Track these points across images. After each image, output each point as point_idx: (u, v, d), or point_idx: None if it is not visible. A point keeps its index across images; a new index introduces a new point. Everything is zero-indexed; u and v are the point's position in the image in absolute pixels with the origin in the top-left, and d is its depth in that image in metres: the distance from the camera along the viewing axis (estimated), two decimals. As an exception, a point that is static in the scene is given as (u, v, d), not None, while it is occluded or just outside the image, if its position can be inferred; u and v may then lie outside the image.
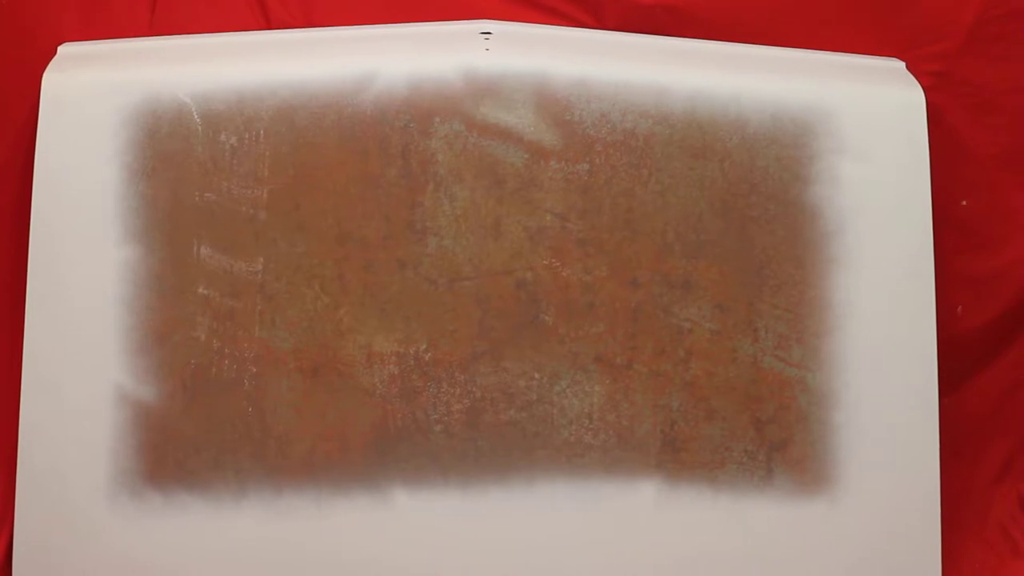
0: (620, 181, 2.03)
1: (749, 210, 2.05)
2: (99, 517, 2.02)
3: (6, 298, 2.16)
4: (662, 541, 2.05)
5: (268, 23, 2.17)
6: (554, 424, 2.04)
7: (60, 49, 2.09)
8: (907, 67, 2.14)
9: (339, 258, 2.02)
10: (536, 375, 2.04)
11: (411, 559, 2.04)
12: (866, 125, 2.06)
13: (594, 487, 2.05)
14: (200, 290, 2.02)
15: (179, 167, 2.02)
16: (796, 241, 2.05)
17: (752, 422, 2.05)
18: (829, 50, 2.17)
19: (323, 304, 2.03)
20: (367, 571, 2.04)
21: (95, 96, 2.02)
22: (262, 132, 2.02)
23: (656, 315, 2.04)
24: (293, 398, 2.03)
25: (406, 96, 2.02)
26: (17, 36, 2.13)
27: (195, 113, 2.02)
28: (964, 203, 2.24)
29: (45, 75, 2.03)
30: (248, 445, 2.03)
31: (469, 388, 2.04)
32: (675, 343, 2.04)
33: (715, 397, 2.05)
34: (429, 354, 2.03)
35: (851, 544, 2.06)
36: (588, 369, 2.04)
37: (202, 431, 2.03)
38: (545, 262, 2.03)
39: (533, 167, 2.03)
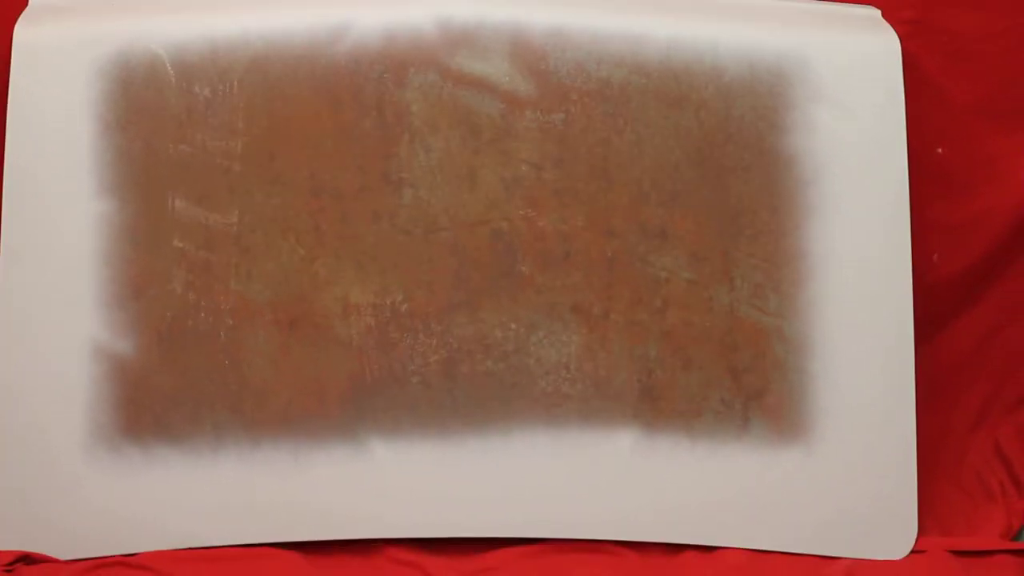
0: (596, 130, 2.03)
1: (725, 159, 2.04)
2: (77, 471, 2.01)
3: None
4: (640, 490, 2.06)
5: (241, -27, 2.15)
6: (531, 374, 2.04)
7: (32, 1, 2.07)
8: (882, 15, 2.14)
9: (314, 210, 2.02)
10: (513, 325, 2.04)
11: (389, 509, 2.04)
12: (842, 73, 2.05)
13: (572, 437, 2.05)
14: (175, 243, 2.01)
15: (153, 119, 2.01)
16: (772, 190, 2.05)
17: (729, 371, 2.05)
18: (804, -2, 2.17)
19: (299, 256, 2.02)
20: (345, 522, 2.04)
21: (67, 48, 2.01)
22: (236, 83, 2.01)
23: (632, 264, 2.04)
24: (270, 350, 2.03)
25: (380, 47, 2.02)
26: (-13, -12, 2.12)
27: (168, 64, 2.01)
28: (940, 151, 2.24)
29: (16, 27, 2.02)
30: (225, 398, 2.02)
31: (446, 339, 2.03)
32: (652, 292, 2.04)
33: (692, 346, 2.05)
34: (405, 305, 2.03)
35: (828, 491, 2.07)
36: (565, 319, 2.04)
37: (179, 384, 2.02)
38: (521, 212, 2.03)
39: (508, 117, 2.02)
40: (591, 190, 2.03)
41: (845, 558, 2.06)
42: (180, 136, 2.01)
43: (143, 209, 2.01)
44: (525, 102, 2.02)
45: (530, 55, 2.02)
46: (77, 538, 2.01)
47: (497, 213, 2.03)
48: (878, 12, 2.14)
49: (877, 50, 2.07)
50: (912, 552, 2.07)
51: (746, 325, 2.05)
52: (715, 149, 2.04)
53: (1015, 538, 2.16)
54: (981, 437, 2.32)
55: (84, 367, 2.01)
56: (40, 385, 2.01)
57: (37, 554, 2.00)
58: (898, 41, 2.07)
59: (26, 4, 2.07)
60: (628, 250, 2.04)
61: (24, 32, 2.01)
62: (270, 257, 2.02)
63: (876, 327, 2.06)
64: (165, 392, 2.02)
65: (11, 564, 1.97)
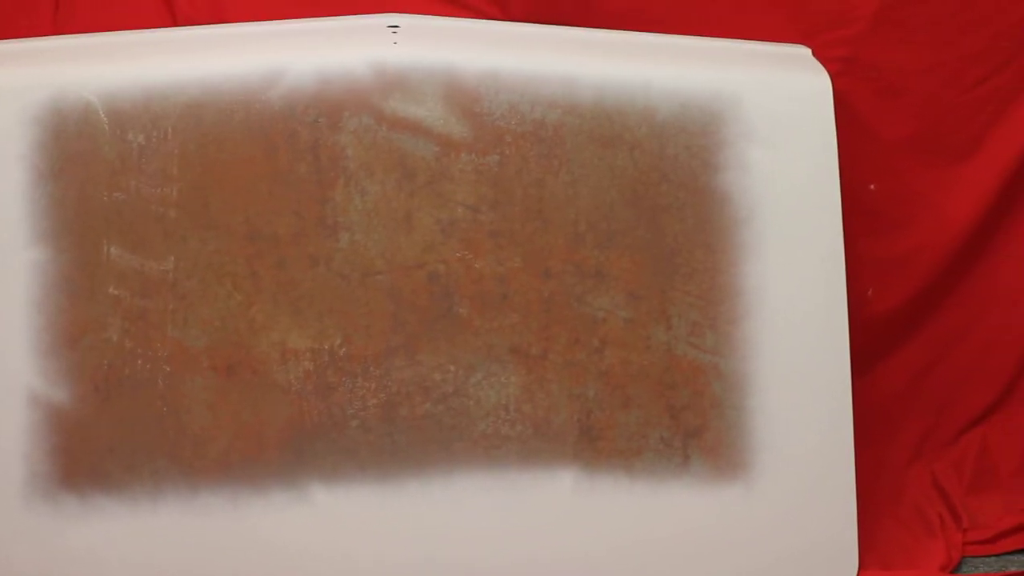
0: (531, 172, 2.04)
1: (660, 198, 2.05)
2: (13, 521, 2.00)
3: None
4: (581, 530, 2.06)
5: (174, 20, 2.15)
6: (471, 416, 2.04)
7: (-38, 49, 2.07)
8: (813, 53, 2.16)
9: (250, 255, 2.01)
10: (451, 367, 2.04)
11: (330, 555, 2.04)
12: (774, 112, 2.07)
13: (512, 478, 2.05)
14: (111, 290, 2.00)
15: (87, 167, 2.00)
16: (707, 228, 2.06)
17: (667, 409, 2.06)
18: (736, 37, 2.18)
19: (236, 302, 2.01)
20: (286, 568, 2.03)
21: (-1, 96, 2.00)
22: (170, 130, 2.00)
23: (569, 305, 2.04)
24: (208, 397, 2.02)
25: (315, 91, 2.02)
26: (-81, 37, 2.11)
27: (101, 112, 2.00)
28: (872, 187, 2.26)
29: (-53, 76, 2.01)
30: (163, 445, 2.01)
31: (384, 382, 2.03)
32: (589, 332, 2.05)
33: (630, 385, 2.05)
34: (344, 349, 2.02)
35: (769, 528, 2.07)
36: (503, 360, 2.04)
37: (116, 432, 2.01)
38: (458, 254, 2.03)
39: (443, 159, 2.03)
40: (527, 231, 2.04)
41: (787, 594, 2.07)
42: (114, 183, 2.00)
43: (78, 257, 2.00)
44: (460, 144, 2.03)
45: (464, 97, 2.03)
46: (14, 588, 2.00)
47: (434, 256, 2.03)
48: (809, 51, 2.16)
49: (809, 88, 2.09)
50: (853, 587, 2.08)
51: (684, 363, 2.06)
52: (650, 188, 2.05)
53: (954, 571, 2.17)
54: (919, 470, 2.34)
55: (20, 416, 1.99)
56: (-25, 435, 1.99)
57: (-27, 605, 1.99)
58: (829, 79, 2.09)
59: (-43, 52, 2.06)
60: (565, 291, 2.04)
61: (-45, 81, 2.01)
62: (207, 303, 2.01)
63: (813, 363, 2.07)
64: (103, 440, 2.01)
65: (-53, 616, 1.96)
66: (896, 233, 2.27)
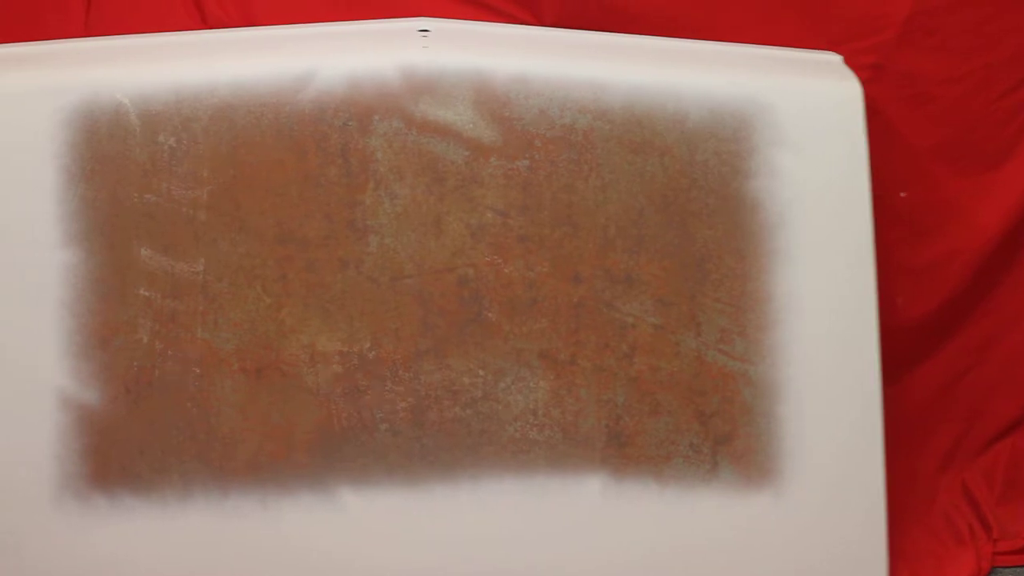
0: (560, 177, 2.04)
1: (690, 204, 2.05)
2: (45, 521, 2.01)
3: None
4: (609, 536, 2.05)
5: (204, 22, 2.16)
6: (499, 421, 2.04)
7: (-4, 51, 2.08)
8: (844, 60, 2.15)
9: (280, 258, 2.02)
10: (480, 372, 2.04)
11: (358, 558, 2.04)
12: (805, 118, 2.06)
13: (540, 483, 2.05)
14: (141, 292, 2.01)
15: (118, 169, 2.01)
16: (737, 235, 2.05)
17: (696, 416, 2.05)
18: (767, 44, 2.17)
19: (265, 304, 2.02)
20: (314, 570, 2.04)
21: (32, 98, 2.00)
22: (201, 132, 2.01)
23: (599, 310, 2.04)
24: (237, 399, 2.02)
25: (345, 94, 2.02)
26: (-48, 39, 2.13)
27: (133, 114, 2.01)
28: (903, 194, 2.26)
29: (-20, 78, 2.03)
30: (193, 447, 2.02)
31: (414, 386, 2.03)
32: (618, 338, 2.04)
33: (659, 391, 2.05)
34: (373, 353, 2.03)
35: (797, 535, 2.07)
36: (532, 365, 2.04)
37: (146, 433, 2.02)
38: (487, 259, 2.03)
39: (473, 164, 2.03)
40: (556, 236, 2.03)
41: (815, 602, 2.06)
42: (145, 185, 2.01)
43: (109, 258, 2.01)
44: (490, 149, 2.03)
45: (494, 102, 2.03)
46: (44, 588, 2.01)
47: (463, 260, 2.03)
48: (840, 58, 2.16)
49: (840, 95, 2.08)
50: (882, 596, 2.07)
51: (713, 370, 2.05)
52: (680, 194, 2.04)
53: (984, 581, 2.16)
54: (949, 479, 2.33)
55: (51, 417, 2.00)
56: (7, 435, 2.00)
57: (3, 605, 2.00)
58: (860, 86, 2.08)
59: (-10, 54, 2.07)
60: (594, 296, 2.04)
61: (-11, 82, 2.02)
62: (236, 305, 2.02)
63: (843, 370, 2.06)
64: (133, 441, 2.01)
65: (-23, 616, 1.97)
66: (927, 240, 2.27)
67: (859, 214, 2.06)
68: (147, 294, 2.01)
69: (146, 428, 2.02)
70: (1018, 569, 2.22)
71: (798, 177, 2.05)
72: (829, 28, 2.20)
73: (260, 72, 2.02)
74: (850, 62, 2.15)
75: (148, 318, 2.01)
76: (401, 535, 2.04)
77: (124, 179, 2.01)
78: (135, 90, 2.01)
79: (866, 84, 2.09)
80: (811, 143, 2.05)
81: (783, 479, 2.06)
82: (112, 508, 2.02)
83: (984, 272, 2.29)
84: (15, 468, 2.00)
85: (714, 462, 2.06)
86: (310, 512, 2.03)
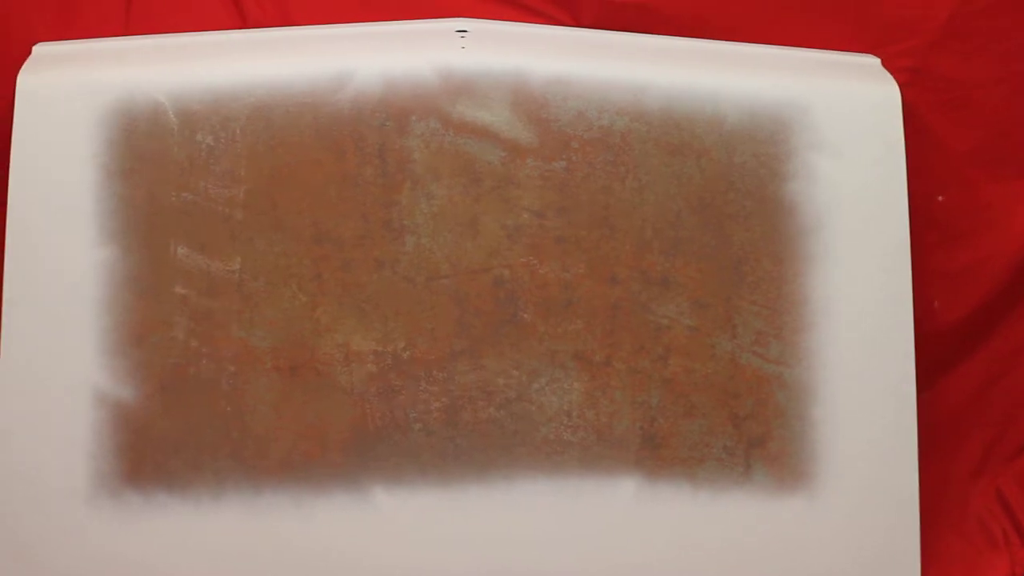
0: (597, 178, 2.04)
1: (727, 207, 2.05)
2: (78, 518, 2.01)
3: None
4: (641, 538, 2.05)
5: (244, 22, 2.17)
6: (533, 422, 2.04)
7: (35, 49, 2.08)
8: (882, 63, 2.15)
9: (316, 257, 2.02)
10: (515, 373, 2.04)
11: (391, 557, 2.04)
12: (842, 121, 2.06)
13: (574, 484, 2.05)
14: (178, 290, 2.02)
15: (155, 167, 2.01)
16: (774, 238, 2.05)
17: (731, 418, 2.05)
18: (805, 47, 2.17)
19: (301, 303, 2.02)
20: (347, 570, 2.04)
21: (71, 96, 2.01)
22: (238, 131, 2.02)
23: (634, 312, 2.04)
24: (271, 397, 2.03)
25: (382, 95, 2.02)
26: (-9, 36, 2.13)
27: (171, 113, 2.01)
28: (940, 198, 2.25)
29: (20, 75, 2.02)
30: (227, 445, 2.02)
31: (448, 386, 2.03)
32: (653, 340, 2.04)
33: (694, 394, 2.05)
34: (407, 352, 2.03)
35: (830, 539, 2.06)
36: (567, 366, 2.04)
37: (181, 431, 2.02)
38: (523, 260, 2.03)
39: (510, 165, 2.03)
40: (593, 238, 2.03)
41: (848, 607, 2.06)
42: (182, 184, 2.01)
43: (145, 256, 2.01)
44: (526, 150, 2.03)
45: (531, 103, 2.03)
46: (78, 586, 2.01)
47: (499, 261, 2.03)
48: (878, 61, 2.15)
49: (877, 98, 2.08)
50: (915, 601, 2.07)
51: (748, 372, 2.05)
52: (717, 197, 2.04)
53: (1018, 586, 2.16)
54: (983, 484, 2.32)
55: (86, 414, 2.01)
56: (42, 432, 2.00)
57: (38, 602, 2.00)
58: (898, 89, 2.08)
59: (29, 53, 2.07)
60: (630, 298, 2.04)
61: (27, 80, 2.02)
62: (272, 304, 2.02)
63: (878, 374, 2.06)
64: (167, 439, 2.02)
65: (12, 613, 1.97)
66: (963, 245, 2.26)
67: (896, 218, 2.06)
68: (183, 292, 2.01)
69: (180, 426, 2.02)
70: (1051, 575, 2.22)
71: (835, 180, 2.05)
72: (867, 31, 2.19)
73: (298, 72, 2.03)
74: (888, 65, 2.14)
75: (184, 316, 2.02)
76: (434, 535, 2.04)
77: (161, 178, 2.01)
78: (173, 89, 2.02)
79: (904, 88, 2.09)
80: (848, 146, 2.05)
81: (817, 482, 2.06)
82: (146, 505, 2.02)
83: (1019, 277, 2.28)
84: (50, 465, 2.01)
85: (748, 465, 2.06)
86: (343, 511, 2.03)
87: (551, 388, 2.04)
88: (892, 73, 2.12)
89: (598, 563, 2.05)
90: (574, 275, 2.03)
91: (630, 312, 2.04)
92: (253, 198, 2.01)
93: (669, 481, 2.05)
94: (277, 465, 2.02)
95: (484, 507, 2.04)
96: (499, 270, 2.03)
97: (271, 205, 2.02)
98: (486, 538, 2.04)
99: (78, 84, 2.02)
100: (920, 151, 2.16)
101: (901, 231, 2.06)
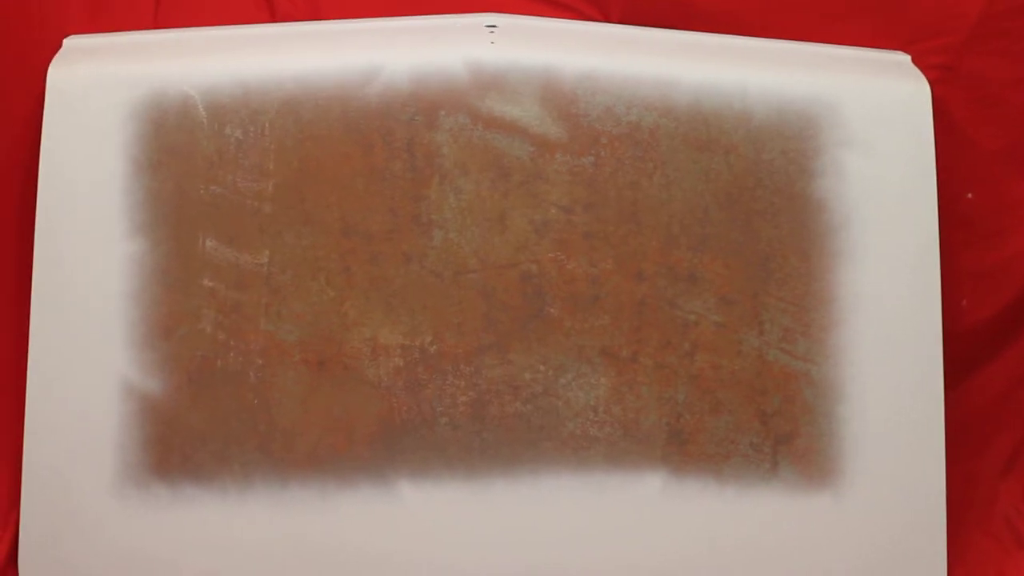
0: (625, 174, 2.04)
1: (755, 203, 2.05)
2: (105, 510, 2.02)
3: (11, 292, 2.16)
4: (668, 533, 2.05)
5: (273, 16, 2.17)
6: (560, 416, 2.04)
7: (65, 42, 2.09)
8: (912, 60, 2.14)
9: (344, 251, 2.02)
10: (541, 368, 2.04)
11: (416, 551, 2.04)
12: (872, 118, 2.05)
13: (599, 480, 2.05)
14: (206, 283, 2.02)
15: (184, 160, 2.02)
16: (802, 234, 2.05)
17: (757, 415, 2.05)
18: (834, 43, 2.16)
19: (328, 297, 2.03)
20: (372, 563, 2.04)
21: (101, 89, 2.02)
22: (267, 125, 2.02)
23: (661, 308, 2.04)
24: (299, 391, 2.03)
25: (411, 89, 2.03)
26: (22, 29, 2.13)
27: (200, 106, 2.02)
28: (969, 196, 2.24)
29: (50, 68, 2.03)
30: (254, 437, 2.03)
31: (475, 381, 2.04)
32: (680, 336, 2.04)
33: (720, 390, 2.05)
34: (435, 347, 2.03)
35: (856, 536, 2.06)
36: (594, 362, 2.04)
37: (208, 424, 2.03)
38: (550, 255, 2.03)
39: (538, 160, 2.03)
40: (620, 233, 2.03)
41: (873, 605, 2.06)
42: (211, 177, 2.02)
43: (174, 249, 2.02)
44: (555, 145, 2.03)
45: (560, 99, 2.03)
46: (105, 576, 2.02)
47: (526, 256, 2.03)
48: (908, 58, 2.15)
49: (907, 96, 2.07)
50: (941, 600, 2.06)
51: (775, 369, 2.05)
52: (745, 193, 2.04)
53: (1045, 587, 2.15)
54: (1010, 483, 2.31)
55: (114, 406, 2.02)
56: (70, 424, 2.02)
57: (65, 593, 2.01)
58: (928, 87, 2.07)
59: (60, 46, 2.08)
60: (657, 293, 2.04)
61: (58, 73, 2.03)
62: (300, 297, 2.03)
63: (905, 372, 2.05)
64: (194, 431, 2.02)
65: (40, 603, 1.98)
66: (992, 243, 2.25)
67: (925, 216, 2.06)
68: (211, 285, 2.02)
69: (208, 418, 2.03)
70: (1078, 575, 2.21)
71: (864, 178, 2.04)
72: (898, 28, 2.18)
73: (327, 66, 2.03)
74: (918, 62, 2.14)
75: (212, 309, 2.02)
76: (459, 529, 2.05)
77: (190, 171, 2.02)
78: (203, 83, 2.02)
79: (934, 85, 2.09)
80: (878, 143, 2.05)
81: (843, 480, 2.05)
82: (173, 498, 2.03)
83: (1050, 275, 2.28)
84: (78, 457, 2.02)
85: (774, 461, 2.05)
86: (369, 504, 2.04)
87: (578, 383, 2.04)
88: (923, 70, 2.11)
89: (623, 558, 2.05)
90: (601, 270, 2.03)
91: (657, 308, 2.04)
92: (281, 192, 2.02)
93: (695, 477, 2.05)
94: (304, 458, 2.03)
95: (510, 501, 2.04)
96: (527, 265, 2.03)
97: (299, 199, 2.02)
98: (511, 532, 2.05)
99: (108, 77, 2.03)
100: (950, 149, 2.15)
101: (930, 229, 2.06)
